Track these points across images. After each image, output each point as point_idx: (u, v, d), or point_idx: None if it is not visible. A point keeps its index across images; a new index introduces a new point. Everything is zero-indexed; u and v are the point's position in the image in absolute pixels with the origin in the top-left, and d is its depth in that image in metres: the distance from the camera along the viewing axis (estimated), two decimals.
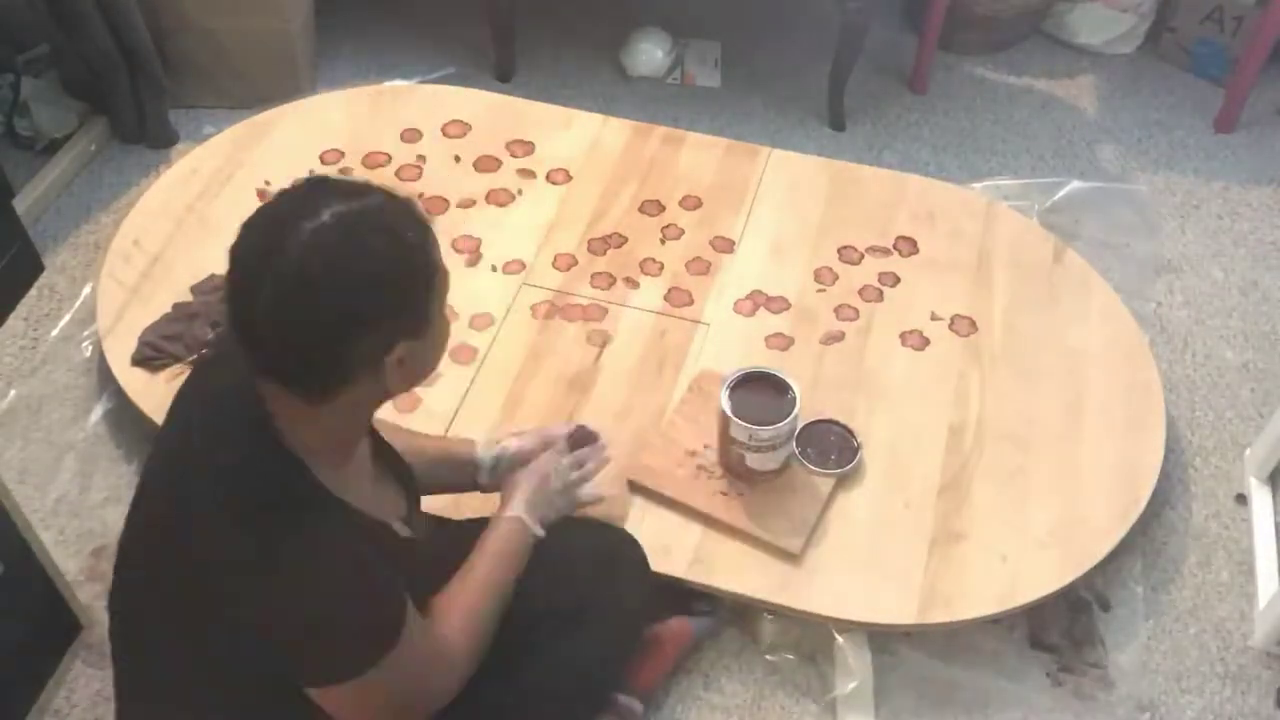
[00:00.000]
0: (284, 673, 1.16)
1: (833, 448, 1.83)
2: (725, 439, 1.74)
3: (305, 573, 1.12)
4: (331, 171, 2.28)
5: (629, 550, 1.60)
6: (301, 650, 1.14)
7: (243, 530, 1.12)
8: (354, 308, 1.08)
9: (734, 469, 1.77)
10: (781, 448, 1.74)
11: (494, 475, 1.57)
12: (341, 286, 1.07)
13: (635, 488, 1.79)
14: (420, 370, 1.20)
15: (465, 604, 1.34)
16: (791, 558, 1.72)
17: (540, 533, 1.46)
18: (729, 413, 1.70)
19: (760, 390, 1.74)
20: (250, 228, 1.11)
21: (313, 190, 1.12)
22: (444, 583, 1.36)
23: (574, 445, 1.61)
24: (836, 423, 1.85)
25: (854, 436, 1.84)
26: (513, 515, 1.45)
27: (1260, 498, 1.96)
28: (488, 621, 1.34)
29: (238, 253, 1.11)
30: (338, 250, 1.07)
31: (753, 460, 1.74)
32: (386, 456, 1.37)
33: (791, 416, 1.71)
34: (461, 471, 1.57)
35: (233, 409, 1.17)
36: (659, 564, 1.66)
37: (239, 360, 1.15)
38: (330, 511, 1.16)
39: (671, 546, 1.72)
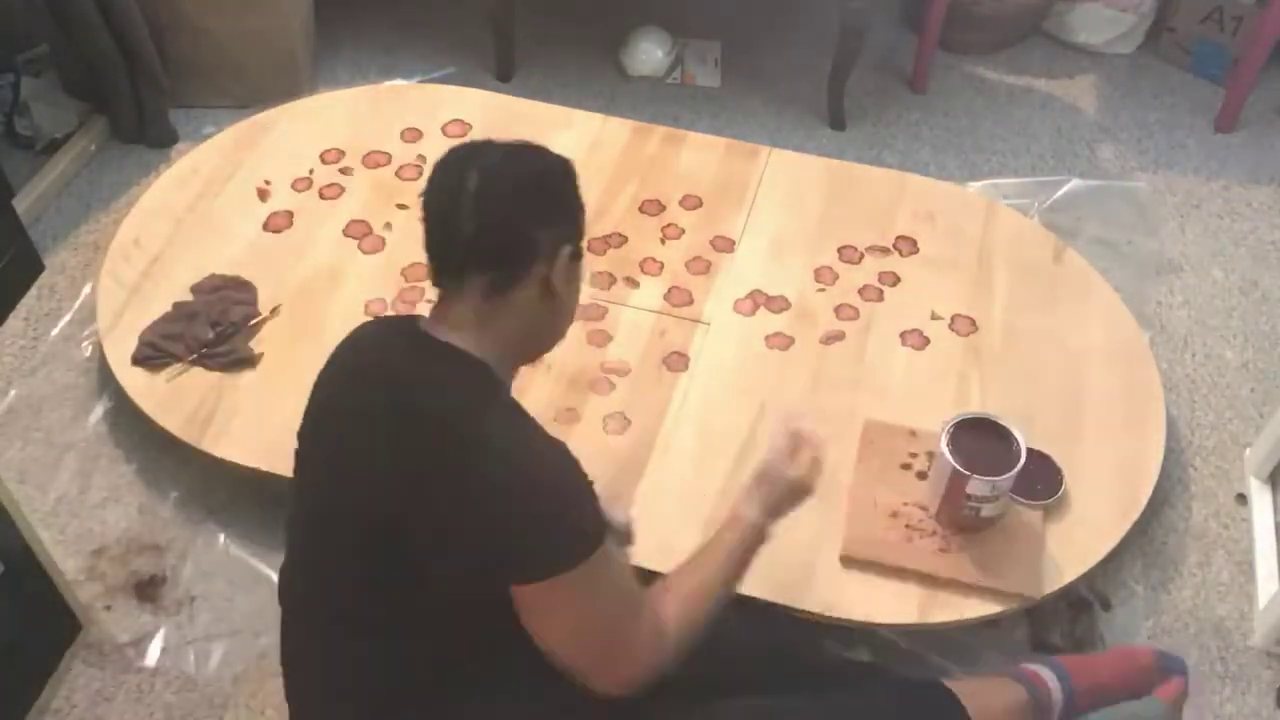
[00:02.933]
0: (500, 581, 1.21)
1: (1036, 476, 1.77)
2: (957, 496, 1.67)
3: (527, 456, 1.22)
4: (331, 172, 2.28)
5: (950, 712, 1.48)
6: (524, 537, 1.19)
7: (464, 426, 1.21)
8: (538, 197, 1.29)
9: (963, 523, 1.71)
10: (1008, 490, 1.71)
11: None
12: (528, 180, 1.29)
13: (850, 562, 1.72)
14: (571, 292, 1.35)
15: (689, 588, 1.34)
16: (805, 560, 1.72)
17: (770, 531, 1.43)
18: (965, 471, 1.64)
19: (978, 438, 1.67)
20: (441, 163, 1.32)
21: (481, 140, 1.34)
22: None
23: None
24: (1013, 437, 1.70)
25: (1053, 461, 1.80)
26: (755, 521, 1.41)
27: (1260, 497, 1.96)
28: (703, 613, 1.34)
29: (431, 184, 1.32)
30: (523, 157, 1.31)
31: (988, 510, 1.69)
32: None
33: (1023, 459, 1.65)
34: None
35: (418, 341, 1.29)
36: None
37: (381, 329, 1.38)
38: (526, 413, 1.28)
39: (674, 545, 1.72)
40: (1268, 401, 2.11)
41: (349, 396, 1.32)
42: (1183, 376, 2.16)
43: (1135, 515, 1.81)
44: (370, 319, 1.47)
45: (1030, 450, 1.68)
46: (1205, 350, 2.21)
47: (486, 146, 1.32)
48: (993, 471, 1.64)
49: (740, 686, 1.39)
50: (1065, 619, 1.78)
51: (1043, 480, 1.79)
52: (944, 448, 1.66)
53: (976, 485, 1.65)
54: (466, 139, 2.34)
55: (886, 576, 1.71)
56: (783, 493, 1.43)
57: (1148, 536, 1.90)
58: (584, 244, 1.35)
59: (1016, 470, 1.64)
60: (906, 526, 1.75)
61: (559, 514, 1.20)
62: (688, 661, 1.31)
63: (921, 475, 1.80)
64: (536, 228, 1.28)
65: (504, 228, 1.27)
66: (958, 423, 1.69)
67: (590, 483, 1.25)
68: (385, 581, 1.25)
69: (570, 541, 1.20)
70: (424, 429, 1.22)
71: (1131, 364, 2.02)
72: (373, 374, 1.30)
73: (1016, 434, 1.67)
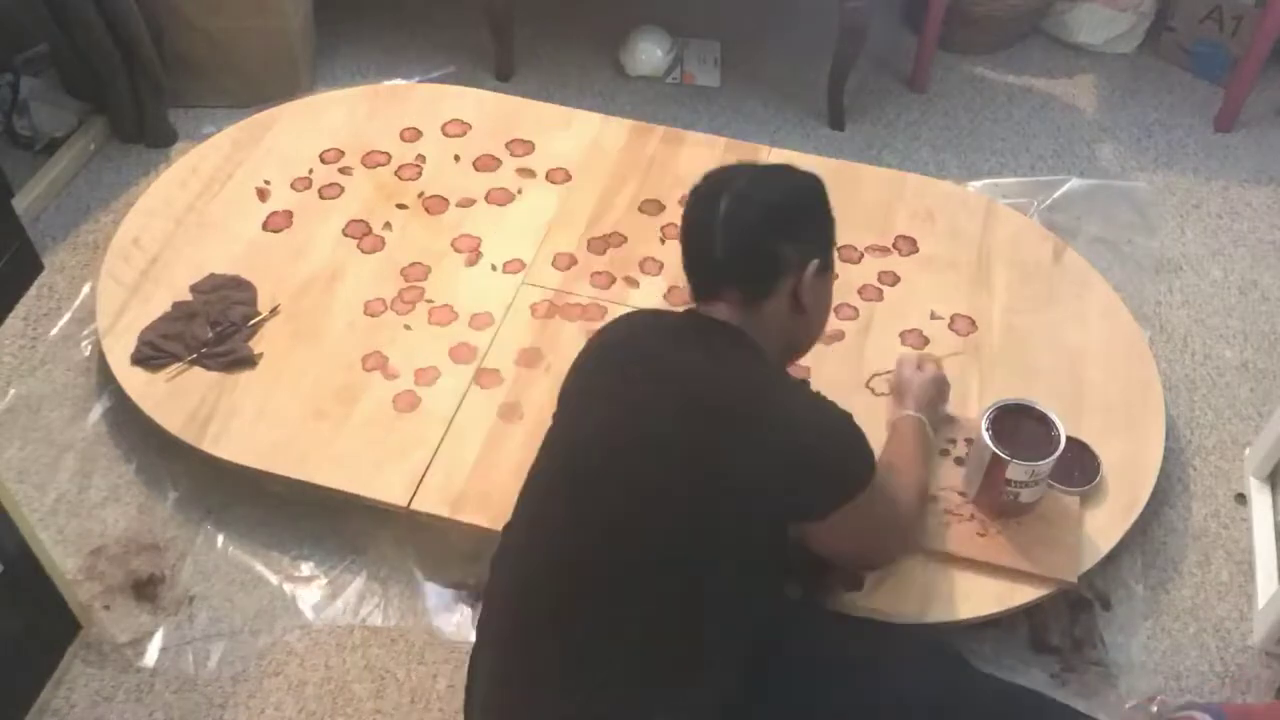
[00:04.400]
0: (799, 516, 1.40)
1: (1073, 464, 1.80)
2: (997, 480, 1.69)
3: (815, 404, 1.42)
4: (331, 172, 2.28)
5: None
6: (826, 470, 1.39)
7: (760, 388, 1.38)
8: (784, 217, 1.43)
9: (1002, 508, 1.73)
10: (1047, 476, 1.72)
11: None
12: (775, 201, 1.44)
13: None
14: (821, 305, 1.50)
15: (902, 465, 1.64)
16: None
17: (928, 422, 1.74)
18: (1005, 455, 1.65)
19: (1018, 424, 1.70)
20: (698, 191, 1.46)
21: (737, 164, 1.51)
22: None
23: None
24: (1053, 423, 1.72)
25: (1090, 449, 1.83)
26: (912, 415, 1.73)
27: (1260, 497, 1.96)
28: (922, 481, 1.67)
29: (690, 209, 1.46)
30: (770, 180, 1.47)
31: (1026, 495, 1.71)
32: None
33: (1063, 445, 1.67)
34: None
35: (699, 323, 1.44)
36: None
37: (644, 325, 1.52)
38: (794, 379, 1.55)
39: None
40: (1267, 401, 2.11)
41: (641, 389, 1.40)
42: (1182, 376, 2.16)
43: (1135, 514, 1.81)
44: (632, 312, 1.59)
45: (1069, 438, 1.70)
46: (1205, 350, 2.21)
47: (737, 171, 1.47)
48: (1032, 457, 1.66)
49: None
50: (1065, 619, 1.78)
51: (1080, 468, 1.81)
52: (984, 432, 1.68)
53: (1016, 470, 1.67)
54: (466, 137, 2.36)
55: (887, 574, 1.72)
56: (922, 388, 1.77)
57: (1147, 536, 1.90)
58: (835, 255, 1.51)
59: (1056, 455, 1.67)
60: (944, 511, 1.76)
61: (849, 441, 1.40)
62: None
63: (959, 461, 1.82)
64: (783, 245, 1.42)
65: (751, 248, 1.42)
66: (998, 408, 1.71)
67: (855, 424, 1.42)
68: (688, 571, 1.31)
69: (861, 462, 1.41)
70: (723, 410, 1.34)
71: (1131, 363, 2.02)
72: (664, 364, 1.41)
73: (1056, 420, 1.70)
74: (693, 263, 1.46)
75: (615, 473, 1.35)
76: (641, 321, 1.54)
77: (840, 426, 1.41)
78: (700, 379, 1.37)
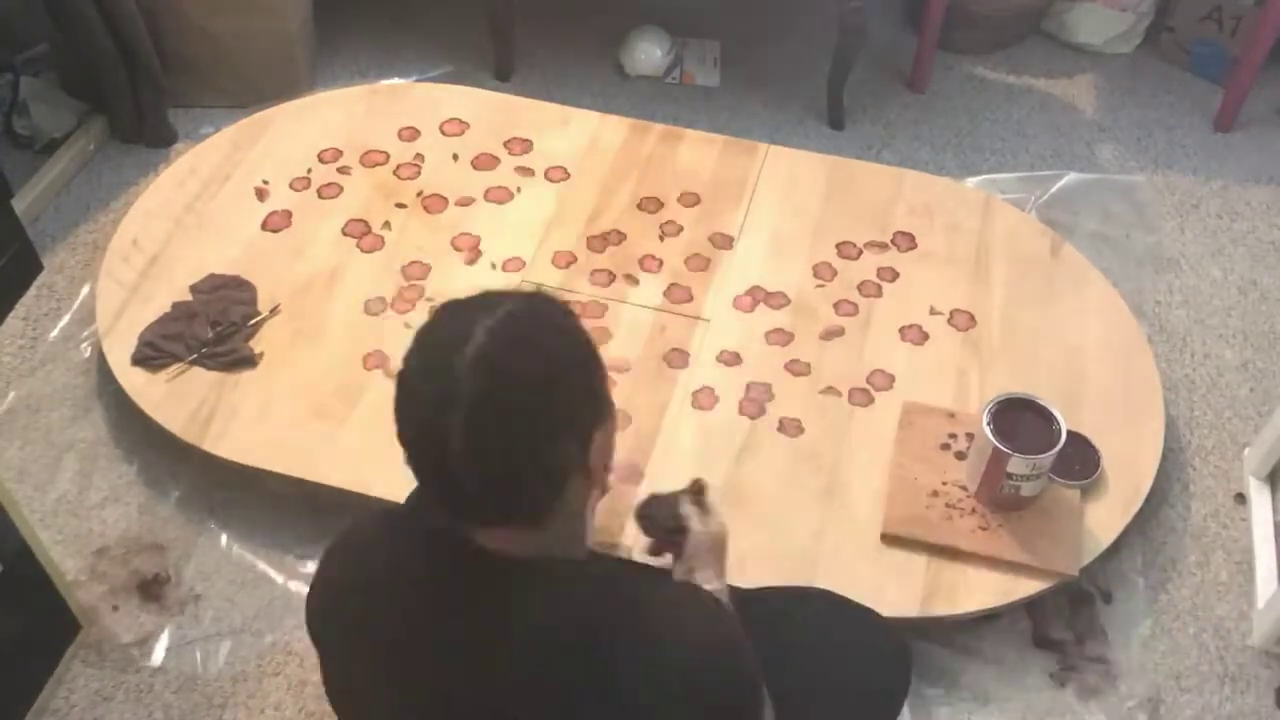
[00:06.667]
0: None
1: (1074, 458, 1.81)
2: (998, 474, 1.70)
3: (700, 624, 1.10)
4: (330, 171, 2.28)
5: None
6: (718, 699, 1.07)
7: (614, 619, 1.05)
8: (549, 413, 1.00)
9: (1003, 502, 1.74)
10: (1048, 470, 1.72)
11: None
12: (530, 400, 0.99)
13: (890, 540, 1.75)
14: (610, 452, 1.12)
15: None
16: (807, 551, 1.72)
17: (718, 585, 1.36)
18: (1006, 449, 1.66)
19: (1019, 418, 1.71)
20: (407, 385, 1.02)
21: (453, 317, 1.04)
22: None
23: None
24: (1054, 417, 1.72)
25: (1091, 443, 1.84)
26: (720, 589, 1.35)
27: (1259, 497, 1.96)
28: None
29: (405, 413, 1.01)
30: (512, 366, 0.99)
31: (1027, 489, 1.72)
32: None
33: (1064, 439, 1.68)
34: None
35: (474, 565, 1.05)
36: None
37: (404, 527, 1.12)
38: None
39: None
40: (1266, 401, 2.11)
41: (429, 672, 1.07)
42: (1182, 376, 2.16)
43: (1136, 507, 1.82)
44: (378, 523, 1.20)
45: (1069, 432, 1.71)
46: (1204, 350, 2.21)
47: (459, 364, 0.98)
48: (1033, 451, 1.67)
49: None
50: (1067, 613, 1.78)
51: (1080, 461, 1.82)
52: (986, 426, 1.69)
53: (1017, 464, 1.67)
54: (464, 136, 2.36)
55: (887, 570, 1.72)
56: (708, 553, 1.37)
57: (1147, 536, 1.90)
58: (612, 409, 1.10)
59: (1057, 449, 1.67)
60: (946, 505, 1.77)
61: (742, 660, 1.10)
62: None
63: (960, 455, 1.83)
64: (559, 445, 1.01)
65: (517, 480, 1.00)
66: (999, 403, 1.72)
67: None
68: None
69: (754, 680, 1.11)
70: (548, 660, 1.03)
71: (1129, 357, 2.03)
72: (446, 629, 1.06)
73: (1057, 414, 1.70)
74: (433, 481, 1.02)
75: None
76: (382, 573, 1.12)
77: (717, 644, 1.09)
78: (503, 644, 1.03)
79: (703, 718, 1.05)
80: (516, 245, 2.16)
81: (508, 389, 0.98)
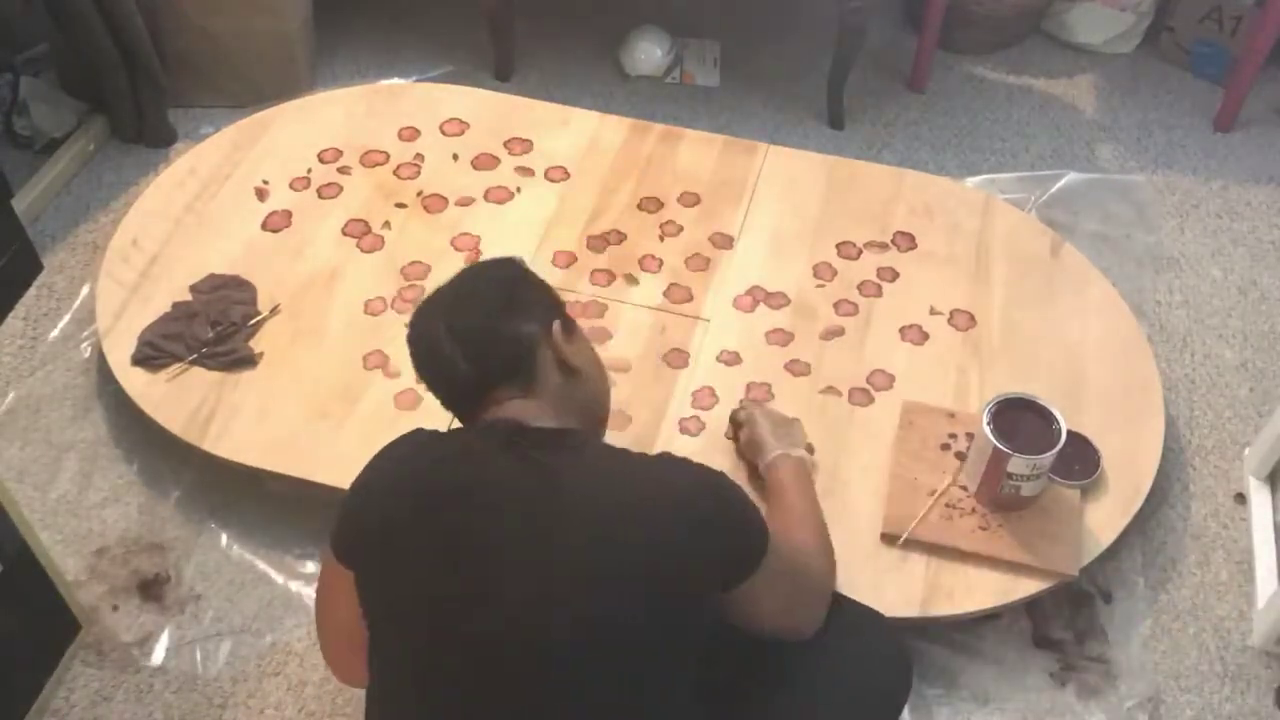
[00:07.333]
0: (716, 596, 1.27)
1: (1074, 458, 1.81)
2: (998, 474, 1.70)
3: (712, 481, 1.30)
4: (330, 171, 2.28)
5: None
6: (734, 547, 1.28)
7: (631, 477, 1.28)
8: (501, 300, 1.41)
9: (1003, 502, 1.74)
10: (1048, 470, 1.72)
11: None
12: (485, 291, 1.44)
13: (890, 540, 1.75)
14: (591, 362, 1.48)
15: (796, 519, 1.55)
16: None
17: (802, 451, 1.71)
18: (1006, 449, 1.66)
19: (1019, 418, 1.71)
20: (414, 329, 1.43)
21: (428, 305, 1.44)
22: None
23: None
24: (1054, 417, 1.72)
25: (1091, 443, 1.84)
26: (776, 454, 1.68)
27: (1259, 497, 1.96)
28: (820, 524, 1.56)
29: (415, 349, 1.43)
30: (470, 280, 1.47)
31: (1027, 489, 1.72)
32: None
33: (1064, 439, 1.68)
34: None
35: (515, 437, 1.31)
36: None
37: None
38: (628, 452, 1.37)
39: None
40: (1266, 401, 2.11)
41: (479, 525, 1.24)
42: (1182, 376, 2.16)
43: (1136, 507, 1.82)
44: (429, 432, 1.38)
45: (1069, 432, 1.71)
46: (1204, 350, 2.21)
47: (435, 295, 1.45)
48: (1033, 451, 1.67)
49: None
50: (1066, 612, 1.78)
51: (1080, 461, 1.82)
52: (986, 426, 1.69)
53: (1017, 464, 1.67)
54: (464, 136, 2.36)
55: (887, 570, 1.72)
56: (772, 425, 1.73)
57: (1147, 536, 1.90)
58: (567, 313, 1.46)
59: (1057, 449, 1.67)
60: (946, 505, 1.77)
61: (742, 510, 1.30)
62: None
63: (960, 456, 1.82)
64: (516, 324, 1.39)
65: (490, 344, 1.38)
66: (999, 402, 1.72)
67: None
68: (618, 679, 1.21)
69: (757, 534, 1.30)
70: (612, 519, 1.22)
71: (1129, 357, 2.03)
72: (493, 493, 1.25)
73: (1057, 414, 1.70)
74: (446, 392, 1.42)
75: (541, 675, 1.20)
76: (451, 452, 1.33)
77: (715, 492, 1.29)
78: (552, 495, 1.23)
79: (713, 538, 1.25)
80: (516, 245, 2.16)
81: (469, 299, 1.43)
